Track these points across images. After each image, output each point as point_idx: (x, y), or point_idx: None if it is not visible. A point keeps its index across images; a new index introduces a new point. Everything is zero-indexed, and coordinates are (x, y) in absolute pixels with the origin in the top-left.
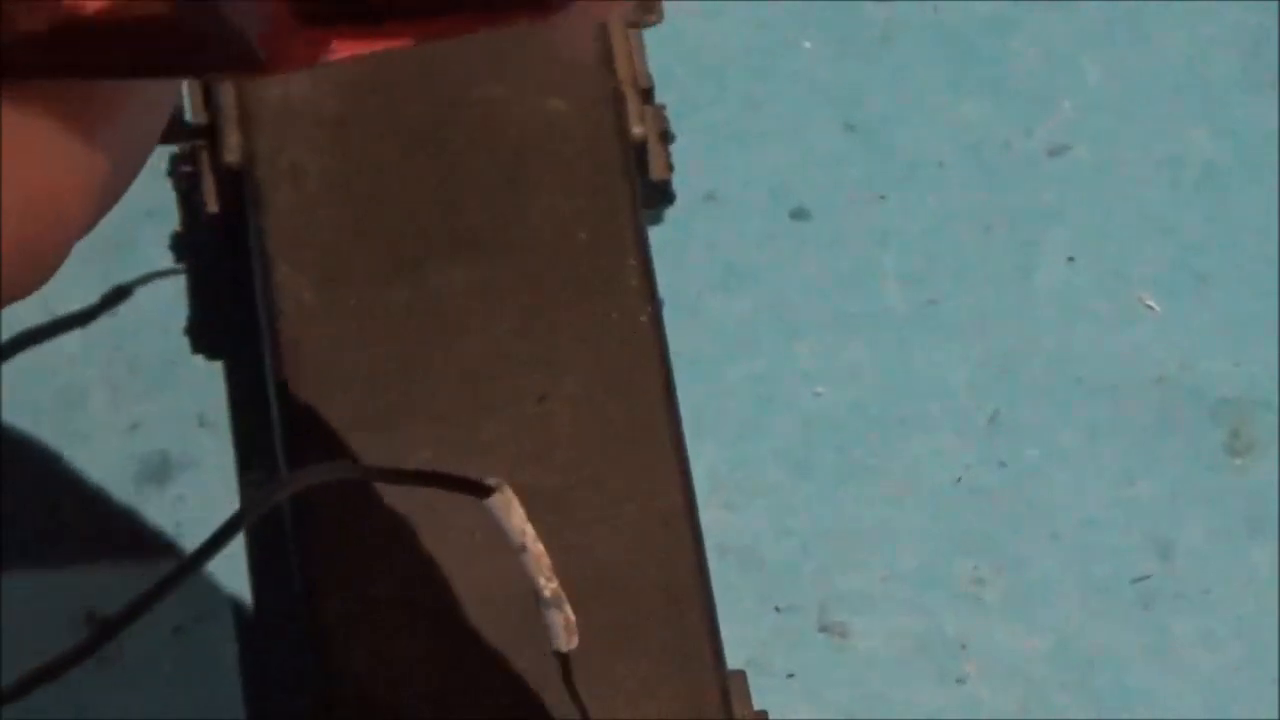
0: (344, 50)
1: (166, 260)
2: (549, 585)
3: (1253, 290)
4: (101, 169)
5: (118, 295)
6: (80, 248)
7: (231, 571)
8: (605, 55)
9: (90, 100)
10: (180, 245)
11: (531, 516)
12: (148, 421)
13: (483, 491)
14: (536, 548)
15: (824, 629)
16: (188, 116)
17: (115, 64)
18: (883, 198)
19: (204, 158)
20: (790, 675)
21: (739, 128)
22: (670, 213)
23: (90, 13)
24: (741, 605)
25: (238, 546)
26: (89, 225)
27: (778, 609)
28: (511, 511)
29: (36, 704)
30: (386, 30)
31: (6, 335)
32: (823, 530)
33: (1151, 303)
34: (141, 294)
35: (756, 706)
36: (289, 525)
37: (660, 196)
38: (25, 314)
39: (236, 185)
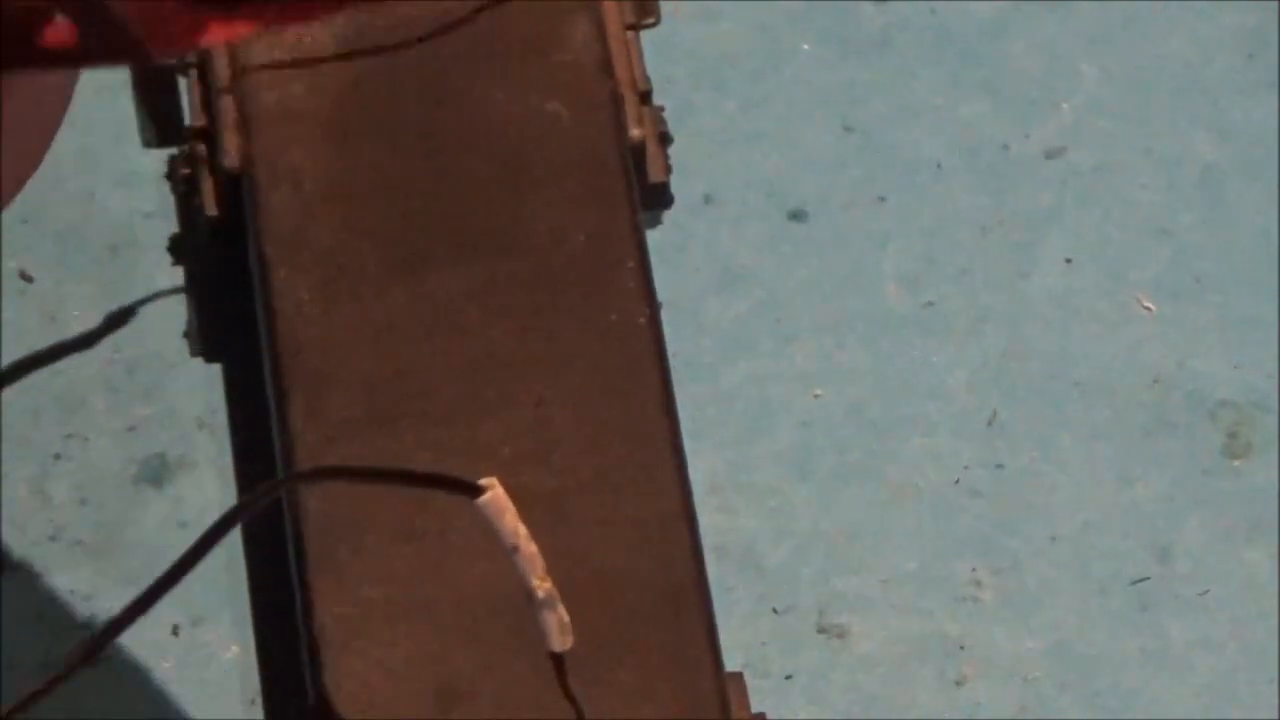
0: (218, 34)
1: (165, 262)
2: (542, 586)
3: (1251, 292)
4: None
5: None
6: (80, 248)
7: (231, 572)
8: (604, 58)
9: None
10: (179, 248)
11: (529, 518)
12: (146, 423)
13: (474, 492)
14: (529, 548)
15: (822, 630)
16: (186, 120)
17: None
18: (881, 199)
19: (202, 161)
20: (788, 677)
21: (737, 130)
22: (669, 215)
23: None
24: (740, 607)
25: (236, 548)
26: None
27: (776, 610)
28: (504, 512)
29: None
30: (250, 13)
31: (6, 339)
32: (821, 532)
33: (1149, 304)
34: (140, 297)
35: (754, 708)
36: (287, 527)
37: (659, 198)
38: (26, 317)
39: (235, 188)
